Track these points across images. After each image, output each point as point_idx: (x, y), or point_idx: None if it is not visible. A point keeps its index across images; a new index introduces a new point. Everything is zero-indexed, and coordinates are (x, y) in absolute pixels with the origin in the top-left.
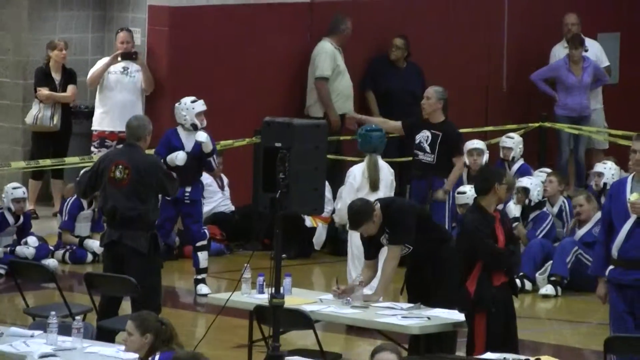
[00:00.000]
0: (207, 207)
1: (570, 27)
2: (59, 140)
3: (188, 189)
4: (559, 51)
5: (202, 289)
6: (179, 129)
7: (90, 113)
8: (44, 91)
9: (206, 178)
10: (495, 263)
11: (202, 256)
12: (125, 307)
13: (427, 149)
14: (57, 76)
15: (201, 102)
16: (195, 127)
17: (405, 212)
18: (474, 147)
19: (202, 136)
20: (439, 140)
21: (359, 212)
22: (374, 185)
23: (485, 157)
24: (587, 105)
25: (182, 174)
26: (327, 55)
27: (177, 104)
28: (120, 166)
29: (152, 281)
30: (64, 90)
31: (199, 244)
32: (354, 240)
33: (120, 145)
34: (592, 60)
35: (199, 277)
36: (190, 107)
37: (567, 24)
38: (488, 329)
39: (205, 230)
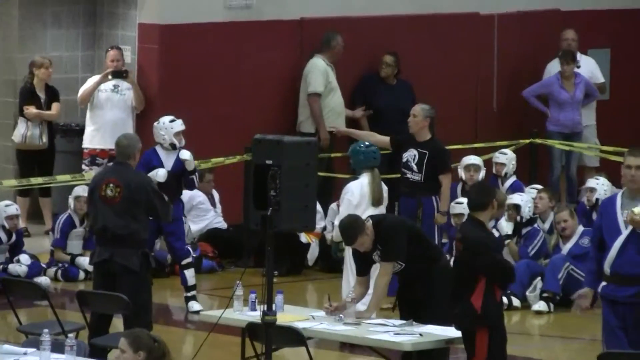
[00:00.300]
0: (200, 225)
1: (570, 42)
2: (44, 158)
3: None
4: (555, 67)
5: (194, 306)
6: (158, 148)
7: (80, 131)
8: (32, 109)
9: (199, 196)
10: (503, 277)
11: (189, 273)
12: (117, 324)
13: (415, 168)
14: (42, 94)
15: (179, 121)
16: (173, 147)
17: (397, 229)
18: (471, 162)
19: (185, 154)
20: (426, 159)
21: (351, 226)
22: (378, 201)
23: (482, 174)
24: (580, 121)
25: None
26: (319, 72)
27: (155, 124)
28: (112, 184)
29: (143, 299)
30: (49, 108)
31: (184, 262)
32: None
33: (111, 163)
34: (584, 76)
35: (189, 294)
36: (168, 126)
37: (566, 39)
38: (490, 345)
39: (189, 248)
